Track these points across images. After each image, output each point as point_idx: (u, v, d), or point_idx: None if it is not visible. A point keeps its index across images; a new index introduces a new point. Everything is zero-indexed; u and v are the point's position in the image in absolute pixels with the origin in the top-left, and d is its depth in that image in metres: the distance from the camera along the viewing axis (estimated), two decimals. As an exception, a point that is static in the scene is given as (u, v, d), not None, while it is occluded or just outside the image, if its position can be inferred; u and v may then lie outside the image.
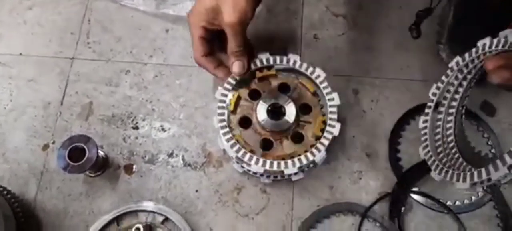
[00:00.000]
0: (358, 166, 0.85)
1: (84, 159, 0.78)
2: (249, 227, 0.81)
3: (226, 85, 0.84)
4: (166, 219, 0.81)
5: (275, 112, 0.82)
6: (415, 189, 0.82)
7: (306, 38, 0.96)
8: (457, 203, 0.82)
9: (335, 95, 0.81)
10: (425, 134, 0.79)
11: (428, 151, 0.77)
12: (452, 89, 0.77)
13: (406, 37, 0.96)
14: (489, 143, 0.86)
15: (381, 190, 0.83)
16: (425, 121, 0.79)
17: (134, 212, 0.82)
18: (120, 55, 0.96)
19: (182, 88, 0.92)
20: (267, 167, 0.77)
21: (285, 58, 0.83)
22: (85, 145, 0.78)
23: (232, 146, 0.79)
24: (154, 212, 0.81)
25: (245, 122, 0.83)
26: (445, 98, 0.78)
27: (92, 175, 0.85)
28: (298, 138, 0.82)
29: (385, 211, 0.81)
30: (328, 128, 0.79)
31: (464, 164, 0.72)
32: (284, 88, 0.86)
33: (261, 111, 0.81)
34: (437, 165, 0.74)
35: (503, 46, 0.65)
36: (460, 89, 0.76)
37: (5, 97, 0.93)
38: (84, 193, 0.84)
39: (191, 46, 0.95)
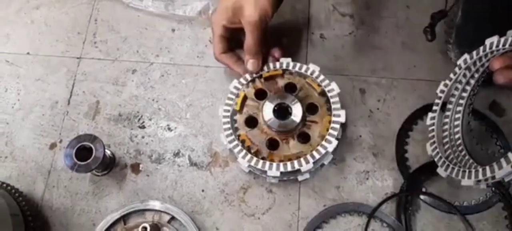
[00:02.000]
0: (365, 166, 0.85)
1: (91, 158, 0.78)
2: (255, 227, 0.81)
3: (241, 79, 0.84)
4: (173, 218, 0.81)
5: (282, 112, 0.82)
6: (422, 190, 0.82)
7: (312, 37, 0.96)
8: (465, 204, 0.81)
9: (333, 84, 0.83)
10: (433, 131, 0.79)
11: (435, 148, 0.77)
12: (460, 87, 0.76)
13: (413, 37, 0.95)
14: (498, 143, 0.85)
15: (388, 190, 0.83)
16: (433, 118, 0.79)
17: (141, 211, 0.82)
18: (126, 55, 0.96)
19: (188, 87, 0.93)
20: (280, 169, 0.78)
21: (304, 67, 0.85)
22: (92, 144, 0.79)
23: (227, 136, 0.80)
24: (160, 211, 0.81)
25: (251, 122, 0.83)
26: (453, 95, 0.78)
27: (99, 174, 0.85)
28: (304, 138, 0.82)
29: (392, 211, 0.81)
30: (334, 118, 0.80)
31: (471, 161, 0.71)
32: (290, 88, 0.86)
33: (267, 111, 0.81)
34: (444, 162, 0.74)
35: (510, 45, 0.64)
36: (468, 88, 0.76)
37: (13, 97, 0.93)
38: (91, 192, 0.85)
39: (196, 45, 0.97)
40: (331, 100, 0.81)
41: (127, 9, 1.01)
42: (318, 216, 0.81)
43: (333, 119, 0.80)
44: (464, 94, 0.77)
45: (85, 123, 0.90)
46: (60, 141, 0.89)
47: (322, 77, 0.84)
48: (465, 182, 0.68)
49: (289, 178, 0.82)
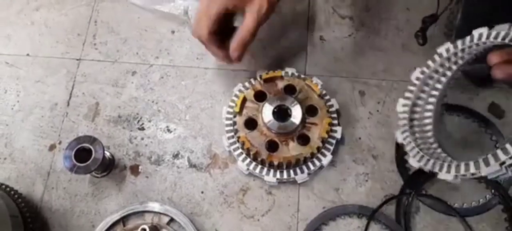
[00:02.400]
0: (365, 168, 0.85)
1: (90, 159, 0.78)
2: (254, 229, 0.81)
3: (246, 83, 0.87)
4: (172, 220, 0.81)
5: (281, 114, 0.82)
6: (422, 192, 0.82)
7: (312, 39, 0.96)
8: (465, 205, 0.81)
9: (333, 101, 0.86)
10: (404, 118, 0.76)
11: (407, 136, 0.75)
12: (435, 77, 0.74)
13: (413, 39, 0.94)
14: (497, 146, 0.85)
15: (388, 192, 0.83)
16: (405, 105, 0.76)
17: (140, 213, 0.82)
18: (126, 57, 0.96)
19: (187, 89, 0.92)
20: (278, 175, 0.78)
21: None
22: (92, 145, 0.79)
23: (228, 138, 0.80)
24: (159, 213, 0.81)
25: (251, 124, 0.83)
26: (427, 84, 0.75)
27: (98, 175, 0.85)
28: (304, 140, 0.82)
29: (391, 213, 0.81)
30: (331, 133, 0.81)
31: (444, 155, 0.71)
32: (290, 89, 0.86)
33: (267, 113, 0.81)
34: (417, 152, 0.72)
35: (502, 39, 0.61)
36: (443, 79, 0.74)
37: (13, 98, 0.93)
38: (90, 193, 0.85)
39: (196, 47, 0.96)
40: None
41: (126, 11, 1.01)
42: (317, 218, 0.81)
43: (330, 133, 0.82)
44: (439, 86, 0.74)
45: (84, 124, 0.90)
46: (60, 142, 0.89)
47: (324, 91, 0.86)
48: (443, 175, 0.66)
49: (288, 180, 0.82)
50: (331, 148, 0.83)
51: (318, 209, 0.82)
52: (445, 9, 0.87)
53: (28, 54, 0.97)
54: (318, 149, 0.81)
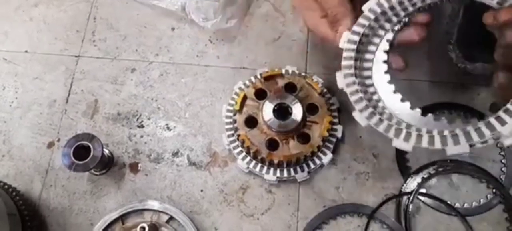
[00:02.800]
0: (365, 167, 0.84)
1: (89, 157, 0.77)
2: (254, 227, 0.81)
3: (246, 81, 0.86)
4: (171, 218, 0.80)
5: (282, 112, 0.81)
6: (423, 191, 0.81)
7: (312, 37, 0.95)
8: (466, 205, 0.80)
9: (334, 99, 0.85)
10: (350, 57, 0.64)
11: (354, 82, 0.63)
12: (389, 14, 0.66)
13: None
14: (499, 145, 0.85)
15: (388, 191, 0.82)
16: (351, 41, 0.64)
17: (139, 211, 0.81)
18: (125, 54, 0.95)
19: (187, 87, 0.92)
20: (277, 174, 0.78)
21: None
22: (90, 143, 0.78)
23: (228, 136, 0.79)
24: (159, 211, 0.81)
25: (251, 122, 0.83)
26: (377, 21, 0.66)
27: (97, 173, 0.85)
28: (304, 138, 0.81)
29: (392, 212, 0.80)
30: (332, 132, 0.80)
31: (391, 114, 0.61)
32: (290, 88, 0.86)
33: (267, 111, 0.81)
34: (366, 106, 0.61)
35: None
36: (395, 19, 0.66)
37: (11, 95, 0.92)
38: (89, 191, 0.84)
39: (196, 44, 0.96)
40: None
41: (126, 7, 1.00)
42: (317, 216, 0.80)
43: (331, 132, 0.82)
44: (388, 26, 0.67)
45: (83, 121, 0.89)
46: (58, 140, 0.88)
47: (325, 89, 0.86)
48: (398, 143, 0.57)
49: (288, 179, 0.81)
50: (332, 146, 0.82)
51: (318, 207, 0.81)
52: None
53: (26, 51, 0.97)
54: (319, 147, 0.81)
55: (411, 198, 0.80)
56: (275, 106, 0.81)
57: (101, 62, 0.95)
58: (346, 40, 0.65)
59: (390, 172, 0.84)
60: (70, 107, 0.91)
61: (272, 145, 0.81)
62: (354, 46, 0.64)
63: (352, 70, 0.63)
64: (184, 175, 0.85)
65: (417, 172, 0.82)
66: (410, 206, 0.79)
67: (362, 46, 0.66)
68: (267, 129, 0.82)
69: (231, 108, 0.85)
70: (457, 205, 0.80)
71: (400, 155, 0.84)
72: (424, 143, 0.56)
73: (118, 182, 0.84)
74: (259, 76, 0.87)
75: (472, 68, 0.87)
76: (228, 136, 0.84)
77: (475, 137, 0.53)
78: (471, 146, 0.54)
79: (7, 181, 0.83)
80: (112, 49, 0.96)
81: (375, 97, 0.64)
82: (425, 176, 0.81)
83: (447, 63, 0.90)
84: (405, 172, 0.83)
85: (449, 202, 0.80)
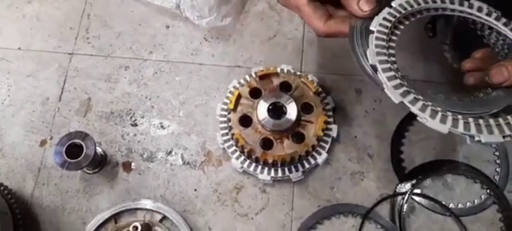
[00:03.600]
0: (360, 167, 0.84)
1: (82, 155, 0.77)
2: (248, 227, 0.80)
3: (241, 80, 0.86)
4: (164, 217, 0.80)
5: (276, 111, 0.81)
6: (417, 191, 0.81)
7: (308, 35, 0.95)
8: (460, 206, 0.80)
9: (329, 99, 0.85)
10: (382, 39, 0.63)
11: (387, 60, 0.61)
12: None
13: (410, 38, 0.94)
14: (497, 153, 0.84)
15: (383, 191, 0.82)
16: (384, 26, 0.64)
17: (132, 210, 0.81)
18: (119, 51, 0.95)
19: (182, 85, 0.91)
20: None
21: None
22: (83, 141, 0.77)
23: (222, 135, 0.78)
24: (152, 211, 0.80)
25: (246, 121, 0.82)
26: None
27: (90, 172, 0.84)
28: (299, 138, 0.81)
29: (386, 213, 0.80)
30: (326, 131, 0.80)
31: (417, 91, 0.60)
32: (285, 87, 0.85)
33: (261, 110, 0.80)
34: (400, 84, 0.59)
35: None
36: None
37: (3, 92, 0.91)
38: (81, 190, 0.83)
39: (191, 42, 0.95)
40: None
41: (120, 5, 0.99)
42: (312, 216, 0.80)
43: (326, 132, 0.81)
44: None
45: (76, 120, 0.89)
46: (51, 138, 0.87)
47: (320, 89, 0.85)
48: (435, 125, 0.56)
49: (283, 178, 0.81)
50: (327, 146, 0.82)
51: (312, 207, 0.81)
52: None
53: (19, 48, 0.96)
54: (313, 147, 0.80)
55: (405, 198, 0.80)
56: (270, 105, 0.81)
57: (94, 60, 0.94)
58: (379, 22, 0.64)
59: (385, 172, 0.83)
60: (63, 105, 0.90)
61: (266, 144, 0.81)
62: (387, 30, 0.64)
63: (385, 50, 0.62)
64: (178, 174, 0.84)
65: (412, 172, 0.82)
66: (405, 206, 0.79)
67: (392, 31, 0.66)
68: (262, 128, 0.81)
69: (226, 107, 0.85)
70: (451, 205, 0.80)
71: (395, 155, 0.84)
72: (460, 127, 0.56)
73: (111, 181, 0.84)
74: (254, 75, 0.87)
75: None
76: (222, 135, 0.83)
77: (507, 130, 0.56)
78: (504, 137, 0.56)
79: (-2, 179, 0.82)
80: (106, 46, 0.95)
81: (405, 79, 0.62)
82: (420, 177, 0.81)
83: (441, 63, 0.90)
84: (400, 172, 0.83)
85: (443, 203, 0.80)
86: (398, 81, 0.59)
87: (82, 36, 0.96)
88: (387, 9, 0.66)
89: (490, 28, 0.71)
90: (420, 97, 0.58)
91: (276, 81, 0.86)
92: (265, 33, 0.95)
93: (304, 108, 0.83)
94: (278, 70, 0.87)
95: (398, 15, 0.65)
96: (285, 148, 0.80)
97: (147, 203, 0.80)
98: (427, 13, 0.69)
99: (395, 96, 0.58)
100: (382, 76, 0.60)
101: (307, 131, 0.81)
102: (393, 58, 0.63)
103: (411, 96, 0.58)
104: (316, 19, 0.67)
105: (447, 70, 0.87)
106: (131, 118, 0.89)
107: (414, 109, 0.58)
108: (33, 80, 0.92)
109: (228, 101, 0.85)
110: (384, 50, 0.62)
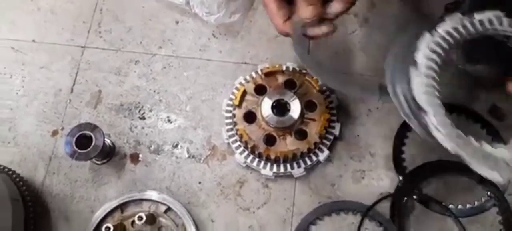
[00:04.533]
0: (361, 165, 0.85)
1: (91, 146, 0.79)
2: (250, 221, 0.82)
3: (247, 76, 0.86)
4: (169, 208, 0.82)
5: (280, 108, 0.82)
6: (417, 191, 0.82)
7: (315, 34, 0.96)
8: (460, 206, 0.81)
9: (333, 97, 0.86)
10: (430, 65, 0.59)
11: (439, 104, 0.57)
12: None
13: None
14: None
15: (384, 190, 0.83)
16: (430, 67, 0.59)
17: (138, 201, 0.83)
18: (130, 46, 0.97)
19: (189, 80, 0.93)
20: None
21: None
22: (92, 132, 0.80)
23: (227, 130, 0.80)
24: (157, 202, 0.83)
25: (250, 117, 0.84)
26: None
27: (99, 162, 0.87)
28: (301, 135, 0.82)
29: (386, 211, 0.81)
30: (329, 129, 0.81)
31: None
32: (290, 84, 0.86)
33: (265, 107, 0.82)
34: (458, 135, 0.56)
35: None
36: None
37: (18, 83, 0.95)
38: (90, 180, 0.86)
39: (199, 38, 0.97)
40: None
41: (132, 0, 1.01)
42: (312, 212, 0.81)
43: (329, 130, 0.82)
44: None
45: (86, 111, 0.91)
46: (62, 129, 0.90)
47: (324, 87, 0.86)
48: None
49: (285, 174, 0.82)
50: (329, 143, 0.83)
51: (313, 204, 0.82)
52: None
53: (33, 40, 0.99)
54: (316, 144, 0.82)
55: (406, 197, 0.80)
56: (274, 102, 0.82)
57: (106, 53, 0.97)
58: (425, 54, 0.60)
59: (386, 171, 0.84)
60: (75, 97, 0.93)
61: (269, 140, 0.82)
62: (435, 64, 0.60)
63: (435, 91, 0.58)
64: (183, 167, 0.86)
65: (413, 172, 0.83)
66: (405, 206, 0.80)
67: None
68: (265, 124, 0.83)
69: (231, 103, 0.86)
70: (451, 206, 0.81)
71: (397, 154, 0.85)
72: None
73: (119, 172, 0.86)
74: (259, 72, 0.88)
75: (473, 70, 0.87)
76: (227, 130, 0.85)
77: None
78: None
79: (11, 167, 0.85)
80: (117, 41, 0.98)
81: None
82: (421, 176, 0.82)
83: (447, 64, 0.90)
84: (401, 172, 0.84)
85: (443, 203, 0.81)
86: (449, 126, 0.56)
87: (94, 30, 0.99)
88: (432, 37, 0.61)
89: None
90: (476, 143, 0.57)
91: (281, 79, 0.87)
92: (272, 30, 0.95)
93: (308, 106, 0.84)
94: (284, 68, 0.88)
95: (446, 45, 0.61)
96: (288, 144, 0.82)
97: (152, 194, 0.83)
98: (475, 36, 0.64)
99: (447, 144, 0.56)
100: (433, 121, 0.56)
101: (310, 129, 0.82)
102: (439, 96, 0.58)
103: (470, 148, 0.56)
104: (277, 16, 0.69)
105: (452, 70, 0.88)
106: (139, 111, 0.91)
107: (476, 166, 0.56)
108: (47, 72, 0.95)
109: (233, 97, 0.86)
110: (433, 90, 0.58)
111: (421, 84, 0.58)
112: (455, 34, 0.61)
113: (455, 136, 0.56)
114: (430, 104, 0.57)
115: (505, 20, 0.62)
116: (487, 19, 0.62)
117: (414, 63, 0.60)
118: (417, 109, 0.58)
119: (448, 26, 0.61)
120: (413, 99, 0.58)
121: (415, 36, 0.62)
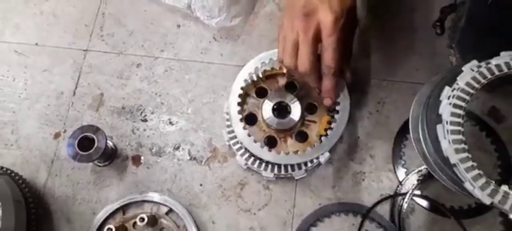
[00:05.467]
0: (362, 167, 0.85)
1: (93, 148, 0.80)
2: (251, 222, 0.83)
3: (248, 79, 0.85)
4: (170, 210, 0.83)
5: (281, 110, 0.83)
6: (418, 192, 0.82)
7: (315, 37, 0.97)
8: (460, 208, 0.81)
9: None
10: (458, 132, 0.61)
11: (468, 157, 0.60)
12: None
13: (417, 41, 0.95)
14: (497, 151, 0.85)
15: (384, 192, 0.83)
16: (457, 115, 0.61)
17: (140, 202, 0.84)
18: (132, 49, 0.98)
19: (191, 83, 0.94)
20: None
21: None
22: (94, 135, 0.81)
23: (228, 133, 0.81)
24: (159, 203, 0.83)
25: (251, 119, 0.85)
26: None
27: (101, 164, 0.87)
28: (302, 137, 0.83)
29: (386, 213, 0.82)
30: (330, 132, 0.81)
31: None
32: (291, 86, 0.87)
33: (266, 110, 0.82)
34: (487, 182, 0.59)
35: None
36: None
37: (20, 86, 0.95)
38: (92, 182, 0.87)
39: (201, 41, 0.98)
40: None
41: (134, 4, 1.02)
42: (313, 214, 0.82)
43: (329, 132, 0.81)
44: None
45: (89, 114, 0.92)
46: (64, 131, 0.91)
47: None
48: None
49: (285, 176, 0.83)
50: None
51: (314, 205, 0.83)
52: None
53: (36, 44, 0.99)
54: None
55: (406, 199, 0.81)
56: (275, 104, 0.83)
57: (108, 56, 0.97)
58: (449, 112, 0.62)
59: (386, 173, 0.85)
60: (77, 100, 0.94)
61: (270, 142, 0.83)
62: (460, 119, 0.61)
63: (463, 145, 0.60)
64: (185, 169, 0.87)
65: (413, 173, 0.83)
66: (405, 207, 0.81)
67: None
68: (266, 126, 0.83)
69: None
70: (452, 207, 0.81)
71: (397, 156, 0.85)
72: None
73: (121, 174, 0.87)
74: (260, 75, 0.88)
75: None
76: (228, 132, 0.85)
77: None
78: None
79: (14, 169, 0.86)
80: (119, 44, 0.98)
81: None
82: (421, 178, 0.82)
83: (447, 67, 0.91)
84: (401, 174, 0.84)
85: (443, 204, 0.81)
86: (484, 179, 0.59)
87: (97, 34, 1.00)
88: (455, 92, 0.63)
89: None
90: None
91: (281, 81, 0.88)
92: (273, 34, 0.97)
93: (308, 108, 0.85)
94: (284, 70, 0.88)
95: (468, 97, 0.62)
96: (289, 146, 0.82)
97: (154, 196, 0.83)
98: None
99: (483, 197, 0.59)
100: (465, 176, 0.60)
101: (310, 131, 0.83)
102: (467, 147, 0.60)
103: (500, 195, 0.59)
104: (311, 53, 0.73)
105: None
106: (141, 113, 0.92)
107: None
108: (49, 75, 0.96)
109: (235, 99, 0.87)
110: (462, 145, 0.60)
111: (448, 138, 0.60)
112: (474, 84, 0.62)
113: (490, 191, 0.59)
114: (461, 161, 0.60)
115: None
116: (504, 63, 0.63)
117: (439, 119, 0.62)
118: (445, 164, 0.61)
119: (468, 77, 0.62)
120: (440, 152, 0.60)
121: (436, 89, 0.65)
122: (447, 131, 0.61)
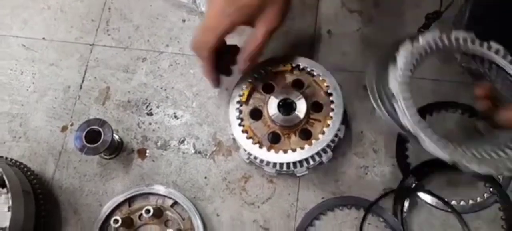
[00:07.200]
0: (365, 162, 0.86)
1: (100, 141, 0.81)
2: (254, 215, 0.84)
3: (255, 74, 0.86)
4: (175, 203, 0.84)
5: (286, 107, 0.83)
6: (420, 187, 0.83)
7: (320, 33, 0.97)
8: (462, 203, 0.82)
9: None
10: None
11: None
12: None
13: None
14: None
15: (387, 186, 0.84)
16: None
17: (145, 195, 0.85)
18: (137, 43, 0.99)
19: (196, 77, 0.95)
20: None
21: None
22: (101, 128, 0.82)
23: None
24: (164, 196, 0.84)
25: (256, 114, 0.85)
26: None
27: (107, 157, 0.89)
28: (306, 135, 0.83)
29: (389, 207, 0.82)
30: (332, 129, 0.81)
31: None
32: (298, 84, 0.87)
33: (272, 106, 0.83)
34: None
35: None
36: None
37: (28, 80, 0.97)
38: (98, 174, 0.88)
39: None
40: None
41: (139, -2, 1.03)
42: (316, 207, 0.83)
43: (332, 130, 0.81)
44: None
45: (95, 107, 0.93)
46: (71, 124, 0.92)
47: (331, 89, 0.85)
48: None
49: (287, 172, 0.83)
50: (333, 145, 0.83)
51: (317, 199, 0.84)
52: (448, 6, 0.87)
53: (43, 38, 1.01)
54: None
55: (408, 193, 0.82)
56: (280, 101, 0.83)
57: (114, 51, 0.99)
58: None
59: (389, 167, 0.86)
60: (84, 94, 0.95)
61: (274, 138, 0.83)
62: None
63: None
64: (189, 162, 0.88)
65: (416, 168, 0.84)
66: (407, 201, 0.81)
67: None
68: (271, 122, 0.83)
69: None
70: (454, 202, 0.82)
71: (400, 151, 0.86)
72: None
73: (126, 167, 0.88)
74: (268, 70, 0.89)
75: (476, 68, 0.88)
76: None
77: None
78: None
79: (23, 161, 0.87)
80: (125, 39, 1.00)
81: None
82: (424, 173, 0.83)
83: (451, 62, 0.91)
84: (405, 168, 0.85)
85: (445, 199, 0.82)
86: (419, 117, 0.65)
87: (103, 28, 1.01)
88: (412, 44, 0.70)
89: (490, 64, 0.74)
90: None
91: (289, 78, 0.88)
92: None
93: (314, 106, 0.84)
94: (293, 65, 0.88)
95: (423, 53, 0.71)
96: (292, 143, 0.82)
97: (159, 189, 0.84)
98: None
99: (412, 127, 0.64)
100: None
101: (314, 129, 0.83)
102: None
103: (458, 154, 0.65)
104: (218, 37, 0.75)
105: (456, 69, 0.89)
106: (147, 107, 0.93)
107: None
108: (56, 69, 0.98)
109: (241, 93, 0.87)
110: (407, 80, 0.67)
111: (396, 75, 0.66)
112: (433, 44, 0.70)
113: (418, 120, 0.65)
114: (401, 91, 0.66)
115: (477, 41, 0.72)
116: (462, 37, 0.71)
117: (394, 61, 0.68)
118: (388, 96, 0.66)
119: (429, 37, 0.70)
120: (386, 87, 0.66)
121: (397, 45, 0.70)
122: (397, 69, 0.67)
